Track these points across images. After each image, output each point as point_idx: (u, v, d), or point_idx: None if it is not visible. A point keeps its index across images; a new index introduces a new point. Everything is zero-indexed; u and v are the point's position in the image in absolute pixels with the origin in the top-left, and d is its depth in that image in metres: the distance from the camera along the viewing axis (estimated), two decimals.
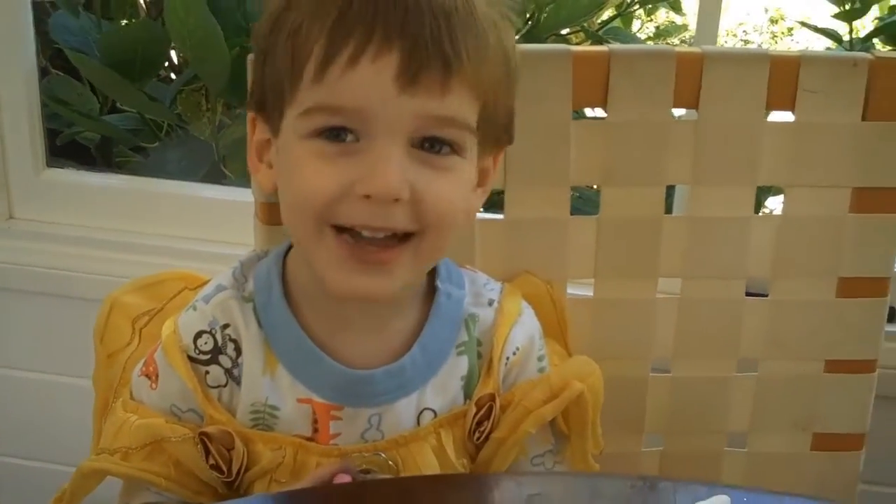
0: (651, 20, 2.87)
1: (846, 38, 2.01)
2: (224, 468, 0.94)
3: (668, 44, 2.69)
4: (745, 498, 0.85)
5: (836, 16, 1.98)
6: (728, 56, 1.16)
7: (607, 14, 2.23)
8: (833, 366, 1.23)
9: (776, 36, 3.27)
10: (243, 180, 1.82)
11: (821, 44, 2.29)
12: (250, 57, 1.00)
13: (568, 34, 2.21)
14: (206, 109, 1.92)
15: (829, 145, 1.16)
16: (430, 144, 0.87)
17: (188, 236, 1.69)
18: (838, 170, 1.16)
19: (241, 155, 1.81)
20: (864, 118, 1.14)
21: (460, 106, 0.87)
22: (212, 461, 0.94)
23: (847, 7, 1.95)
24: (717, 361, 1.24)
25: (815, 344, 1.22)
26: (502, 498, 0.87)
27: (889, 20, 2.04)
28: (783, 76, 1.13)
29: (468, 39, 0.85)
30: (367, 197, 0.85)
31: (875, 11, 2.07)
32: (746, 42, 3.01)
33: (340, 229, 0.87)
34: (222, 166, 1.90)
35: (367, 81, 0.83)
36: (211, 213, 1.70)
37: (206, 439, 0.94)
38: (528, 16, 2.01)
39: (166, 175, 1.86)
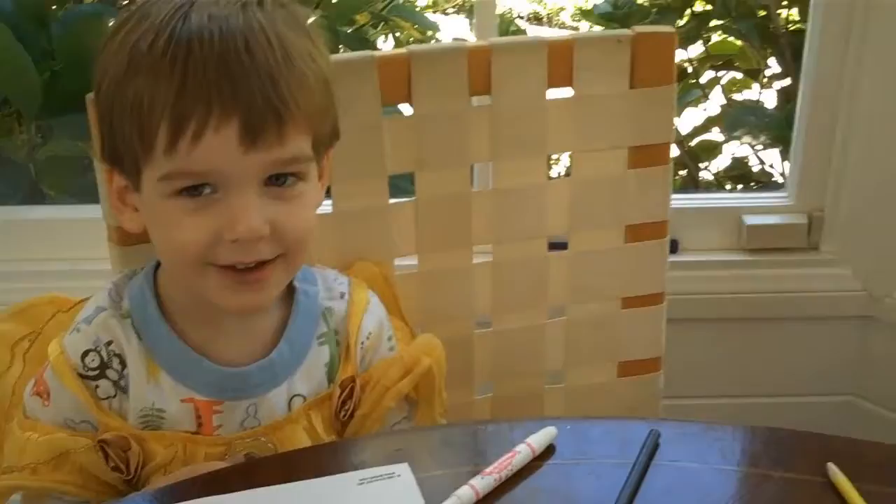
0: None
1: None
2: (123, 468, 1.02)
3: (445, 13, 2.81)
4: (568, 426, 0.95)
5: None
6: (512, 45, 1.26)
7: None
8: (628, 302, 1.36)
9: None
10: (64, 197, 1.86)
11: None
12: (90, 98, 1.04)
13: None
14: (20, 132, 1.92)
15: (605, 113, 1.26)
16: (276, 178, 0.96)
17: (24, 258, 1.70)
18: (615, 133, 1.28)
19: (57, 172, 1.84)
20: (631, 86, 1.25)
21: (298, 144, 0.95)
22: (112, 463, 1.02)
23: None
24: (530, 312, 1.35)
25: (611, 285, 1.35)
26: (372, 455, 0.96)
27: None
28: (560, 57, 1.23)
29: (293, 87, 0.93)
30: (235, 241, 0.94)
31: None
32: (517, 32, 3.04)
33: (219, 266, 0.97)
34: (41, 185, 1.90)
35: (214, 149, 0.91)
36: (43, 233, 1.72)
37: (104, 445, 1.02)
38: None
39: None
